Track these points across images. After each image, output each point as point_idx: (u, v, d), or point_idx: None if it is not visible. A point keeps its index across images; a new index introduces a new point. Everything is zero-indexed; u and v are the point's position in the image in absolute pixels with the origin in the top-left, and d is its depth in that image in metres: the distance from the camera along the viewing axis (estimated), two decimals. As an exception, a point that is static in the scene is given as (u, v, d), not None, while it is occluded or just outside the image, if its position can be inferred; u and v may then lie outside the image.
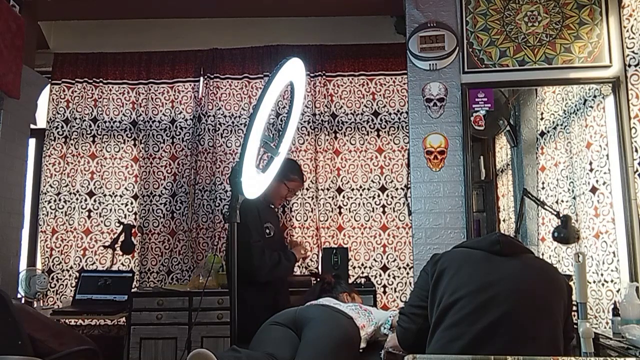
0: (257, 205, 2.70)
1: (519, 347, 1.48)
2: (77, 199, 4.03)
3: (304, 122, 4.01)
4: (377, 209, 3.95)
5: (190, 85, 4.14)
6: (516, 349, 1.47)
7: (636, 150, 2.70)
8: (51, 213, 3.99)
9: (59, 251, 3.96)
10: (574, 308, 1.71)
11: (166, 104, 4.13)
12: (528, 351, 1.48)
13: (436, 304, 1.64)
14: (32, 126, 3.69)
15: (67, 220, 4.00)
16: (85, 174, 4.06)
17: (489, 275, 1.61)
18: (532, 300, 1.57)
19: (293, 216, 3.93)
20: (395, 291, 3.86)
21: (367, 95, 4.06)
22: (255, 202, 2.56)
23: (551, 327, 1.55)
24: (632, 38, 2.76)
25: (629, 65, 2.78)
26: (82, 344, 2.43)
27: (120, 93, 4.16)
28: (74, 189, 4.04)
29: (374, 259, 3.90)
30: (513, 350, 1.47)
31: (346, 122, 4.04)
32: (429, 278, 1.71)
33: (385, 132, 4.02)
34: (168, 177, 4.06)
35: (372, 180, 3.98)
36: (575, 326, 1.66)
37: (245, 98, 4.08)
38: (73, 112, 4.12)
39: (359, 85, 4.07)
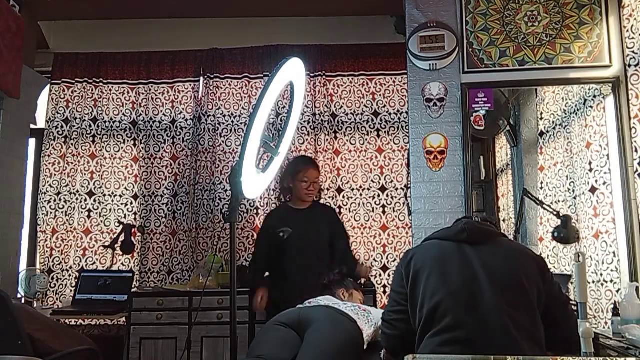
0: (273, 214, 3.22)
1: (509, 343, 1.48)
2: (77, 199, 4.03)
3: (304, 122, 4.01)
4: (377, 209, 3.94)
5: (190, 85, 4.14)
6: (505, 346, 1.47)
7: (636, 150, 2.70)
8: (51, 213, 3.99)
9: (59, 251, 3.96)
10: (572, 303, 1.70)
11: (166, 104, 4.13)
12: (517, 344, 1.48)
13: (418, 307, 1.62)
14: (32, 126, 3.69)
15: (67, 220, 4.00)
16: (85, 174, 4.06)
17: (463, 271, 1.60)
18: (511, 290, 1.56)
19: (293, 216, 3.93)
20: (395, 291, 3.86)
21: (367, 95, 4.06)
22: (273, 211, 3.31)
23: (529, 312, 1.55)
24: (632, 38, 2.76)
25: (629, 65, 2.77)
26: (82, 344, 2.43)
27: (120, 93, 4.16)
28: (73, 189, 4.04)
29: (374, 259, 3.90)
30: (502, 347, 1.46)
31: (346, 122, 4.04)
32: (405, 281, 1.69)
33: (385, 132, 4.02)
34: (169, 177, 4.06)
35: (372, 180, 3.98)
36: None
37: (245, 98, 4.08)
38: (73, 112, 4.12)
39: (359, 85, 4.07)
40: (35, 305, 3.64)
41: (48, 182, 4.02)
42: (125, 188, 4.07)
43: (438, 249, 1.71)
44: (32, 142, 3.90)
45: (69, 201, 4.01)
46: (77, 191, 4.04)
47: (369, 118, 4.03)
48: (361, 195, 3.96)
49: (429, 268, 1.64)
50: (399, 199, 3.95)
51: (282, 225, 3.02)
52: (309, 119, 4.02)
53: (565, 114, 3.13)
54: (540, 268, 1.66)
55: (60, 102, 4.12)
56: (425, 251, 1.73)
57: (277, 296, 3.00)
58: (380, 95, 4.06)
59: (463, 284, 1.57)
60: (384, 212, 3.94)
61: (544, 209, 3.01)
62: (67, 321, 3.62)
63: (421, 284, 1.63)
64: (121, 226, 3.82)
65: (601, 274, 2.76)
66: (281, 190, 3.22)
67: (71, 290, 3.81)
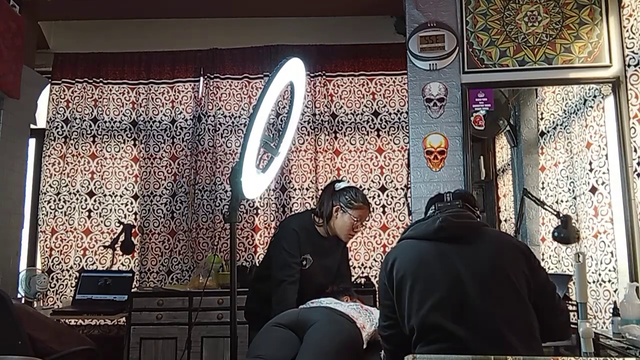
0: (301, 233, 2.56)
1: (503, 347, 1.47)
2: (77, 199, 4.03)
3: (304, 122, 4.01)
4: (377, 209, 3.94)
5: (190, 85, 4.14)
6: (500, 351, 1.46)
7: (635, 150, 2.70)
8: (51, 213, 3.99)
9: (58, 251, 3.96)
10: (572, 303, 1.70)
11: (166, 104, 4.13)
12: (511, 346, 1.47)
13: (405, 318, 1.60)
14: (32, 126, 3.69)
15: (67, 220, 4.00)
16: (85, 174, 4.06)
17: (447, 276, 1.57)
18: (499, 287, 1.54)
19: (293, 216, 3.93)
20: (395, 291, 3.86)
21: (367, 95, 4.06)
22: (301, 229, 2.55)
23: (521, 308, 1.53)
24: (632, 38, 2.76)
25: (629, 65, 2.78)
26: (82, 344, 2.43)
27: (120, 93, 4.16)
28: (73, 189, 4.04)
29: (374, 259, 3.90)
30: (497, 351, 1.46)
31: (346, 122, 4.04)
32: (390, 292, 1.66)
33: (385, 132, 4.03)
34: (168, 177, 4.06)
35: (372, 180, 3.98)
36: (575, 326, 1.66)
37: (245, 98, 4.08)
38: (73, 112, 4.12)
39: (359, 85, 4.07)
40: (35, 305, 3.64)
41: (48, 182, 4.02)
42: (125, 188, 4.07)
43: (417, 252, 1.65)
44: (32, 142, 3.91)
45: (69, 201, 4.01)
46: (77, 191, 4.04)
47: (369, 118, 4.03)
48: (361, 195, 3.96)
49: (412, 277, 1.60)
50: (399, 199, 3.95)
51: (306, 251, 2.59)
52: (309, 119, 4.02)
53: (566, 114, 3.13)
54: (526, 256, 1.62)
55: (61, 102, 4.12)
56: (404, 256, 1.66)
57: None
58: (380, 95, 4.06)
59: (448, 290, 1.54)
60: (384, 212, 3.94)
61: (545, 209, 3.01)
62: (67, 321, 3.61)
63: (405, 295, 1.59)
64: (121, 226, 3.82)
65: (599, 274, 2.77)
66: (319, 209, 2.63)
67: (71, 290, 3.81)
